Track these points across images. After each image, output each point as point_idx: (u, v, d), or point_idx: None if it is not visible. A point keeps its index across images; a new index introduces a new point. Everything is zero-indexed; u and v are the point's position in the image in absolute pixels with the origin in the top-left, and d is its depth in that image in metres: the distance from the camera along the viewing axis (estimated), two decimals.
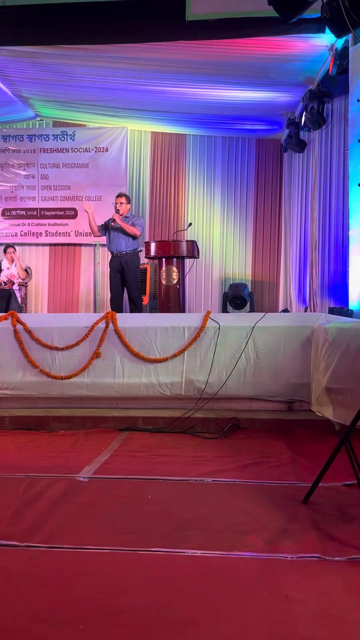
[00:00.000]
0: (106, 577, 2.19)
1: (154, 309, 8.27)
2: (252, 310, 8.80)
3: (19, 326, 5.00)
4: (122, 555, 2.36)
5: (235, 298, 8.83)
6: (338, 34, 4.39)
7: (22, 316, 5.14)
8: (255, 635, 1.83)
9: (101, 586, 2.12)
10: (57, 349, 4.94)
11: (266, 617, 1.92)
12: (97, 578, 2.19)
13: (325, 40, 5.61)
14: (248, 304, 8.88)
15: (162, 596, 2.06)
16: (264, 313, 5.08)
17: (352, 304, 5.35)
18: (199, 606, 1.99)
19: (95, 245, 9.86)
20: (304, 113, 7.14)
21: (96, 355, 4.89)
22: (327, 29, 5.00)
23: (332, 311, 5.68)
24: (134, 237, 7.27)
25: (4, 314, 5.12)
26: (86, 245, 9.99)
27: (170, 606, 1.99)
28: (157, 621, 1.90)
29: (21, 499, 2.97)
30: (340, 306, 5.89)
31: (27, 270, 9.08)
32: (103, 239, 7.60)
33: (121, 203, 7.30)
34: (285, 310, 8.87)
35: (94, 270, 10.02)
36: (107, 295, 8.56)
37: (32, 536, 2.51)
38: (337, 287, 6.48)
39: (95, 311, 9.76)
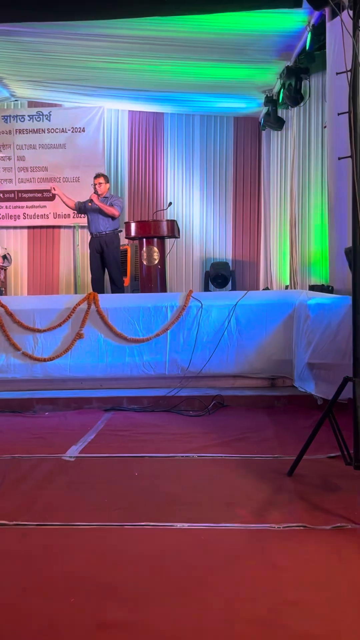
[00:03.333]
0: (95, 552, 2.22)
1: (135, 290, 8.23)
2: (233, 288, 8.82)
3: None
4: (111, 530, 2.39)
5: (217, 277, 8.84)
6: (316, 6, 4.37)
7: (2, 299, 5.11)
8: (245, 602, 1.87)
9: (91, 561, 2.15)
10: (38, 330, 4.91)
11: (254, 585, 1.97)
12: (86, 553, 2.21)
13: (302, 15, 5.57)
14: (230, 283, 8.90)
15: (151, 569, 2.09)
16: (245, 291, 5.10)
17: (332, 280, 5.38)
18: (189, 577, 2.03)
19: (74, 227, 9.76)
20: (282, 90, 7.09)
21: (79, 336, 4.88)
22: (304, 3, 4.97)
23: (312, 288, 5.70)
24: (113, 218, 7.23)
25: None
26: (65, 227, 9.89)
27: (160, 578, 2.03)
28: (148, 593, 1.93)
29: (8, 479, 2.98)
30: (321, 283, 5.91)
31: (5, 257, 8.98)
32: (83, 221, 7.52)
33: (100, 183, 7.24)
34: (267, 289, 8.90)
35: (73, 252, 9.93)
36: (88, 277, 8.50)
37: (20, 515, 2.53)
38: (317, 264, 6.51)
39: (75, 293, 9.70)
